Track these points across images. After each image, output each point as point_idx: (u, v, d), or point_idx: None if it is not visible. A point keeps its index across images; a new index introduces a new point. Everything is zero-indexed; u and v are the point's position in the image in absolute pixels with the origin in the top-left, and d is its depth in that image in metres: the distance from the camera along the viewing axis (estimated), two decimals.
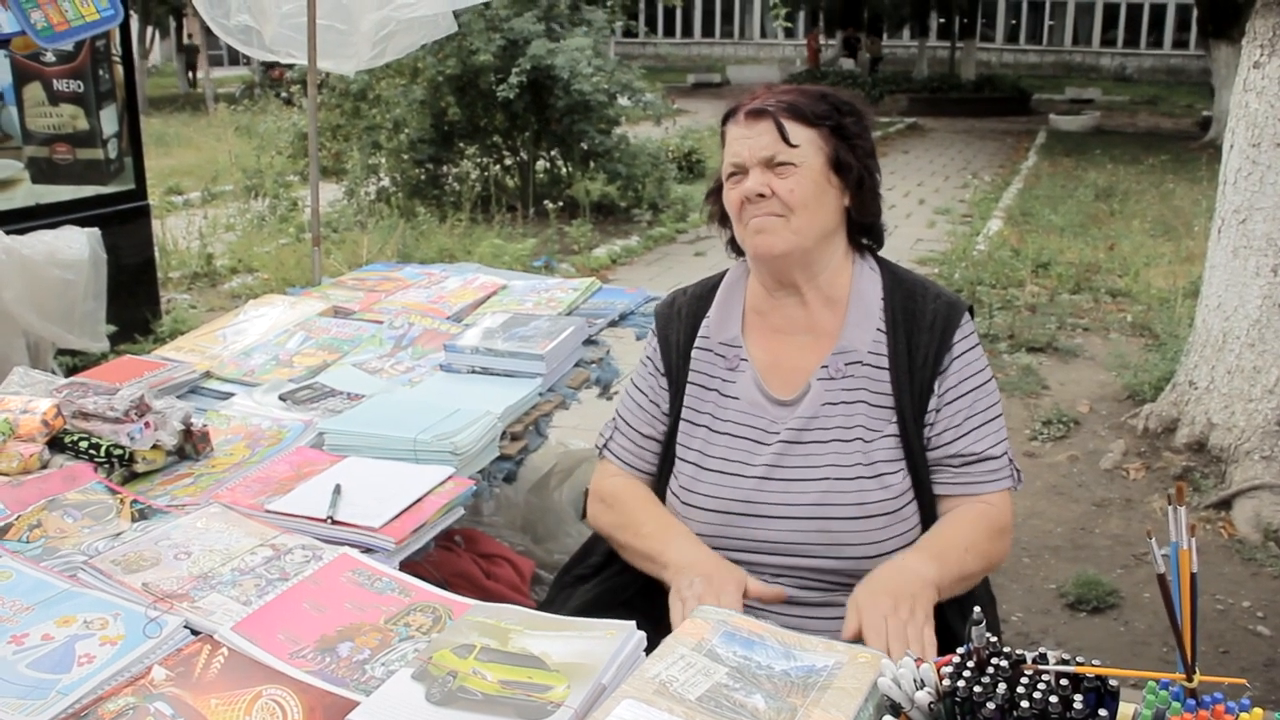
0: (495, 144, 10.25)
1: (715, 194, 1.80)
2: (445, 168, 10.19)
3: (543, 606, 1.81)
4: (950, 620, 1.66)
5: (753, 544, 1.67)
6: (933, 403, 1.69)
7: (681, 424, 1.79)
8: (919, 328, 1.70)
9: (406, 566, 1.61)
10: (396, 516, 1.67)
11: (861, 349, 1.70)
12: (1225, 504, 4.06)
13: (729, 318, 1.80)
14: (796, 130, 1.66)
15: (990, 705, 1.03)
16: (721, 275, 1.87)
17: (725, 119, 1.76)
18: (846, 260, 1.76)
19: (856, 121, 1.72)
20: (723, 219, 1.80)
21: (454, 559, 2.36)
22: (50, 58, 4.92)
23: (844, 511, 1.64)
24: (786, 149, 1.65)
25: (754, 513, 1.68)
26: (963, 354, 1.71)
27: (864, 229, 1.78)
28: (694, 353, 1.80)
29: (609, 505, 1.84)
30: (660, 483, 1.84)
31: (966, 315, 1.74)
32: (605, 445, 1.91)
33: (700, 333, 1.81)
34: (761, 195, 1.65)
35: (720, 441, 1.74)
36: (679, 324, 1.84)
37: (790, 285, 1.74)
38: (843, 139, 1.70)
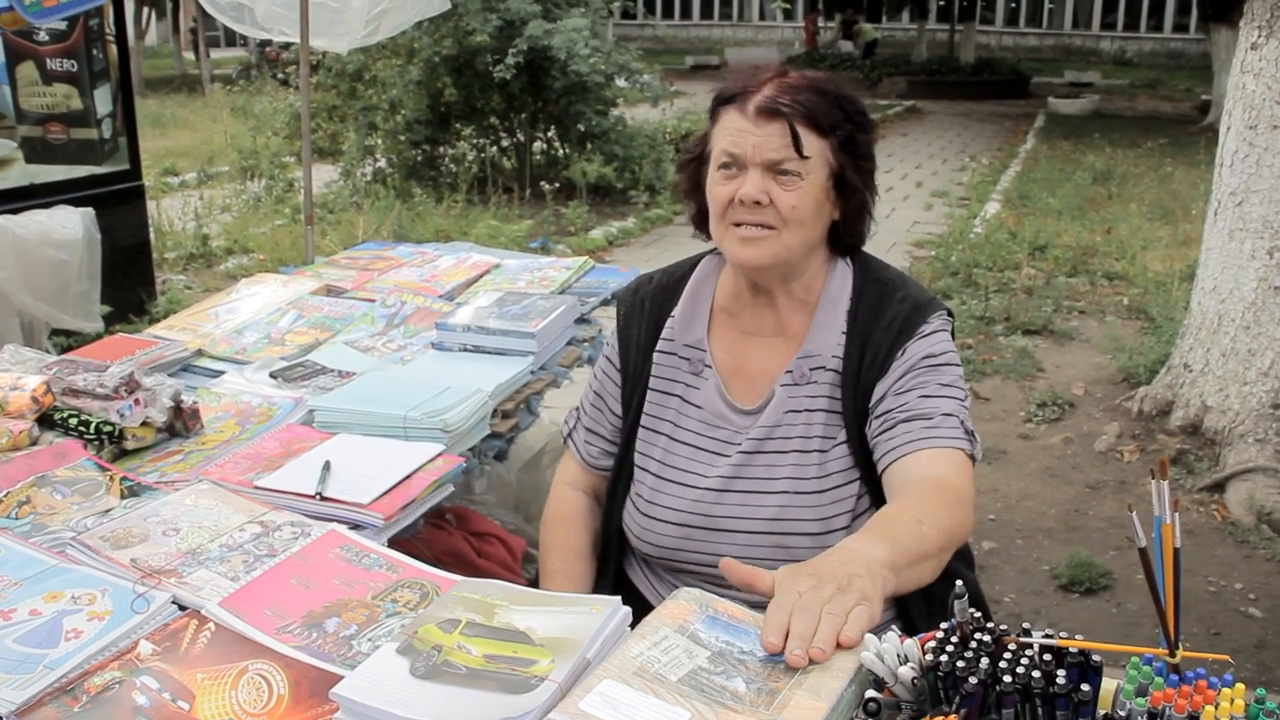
0: (492, 125, 10.22)
1: (692, 165, 1.66)
2: (441, 149, 10.16)
3: (533, 585, 1.82)
4: (936, 594, 1.65)
5: (713, 559, 1.57)
6: (875, 398, 1.57)
7: (640, 430, 1.72)
8: (877, 328, 1.60)
9: (398, 544, 1.62)
10: (385, 493, 1.67)
11: (825, 353, 1.61)
12: (1219, 486, 4.07)
13: (695, 318, 1.71)
14: (810, 140, 1.52)
15: (973, 680, 1.03)
16: (690, 266, 1.77)
17: (725, 100, 1.58)
18: (823, 263, 1.66)
19: (867, 138, 1.60)
20: (692, 193, 1.68)
21: (445, 537, 2.36)
22: (43, 36, 4.90)
23: (802, 527, 1.58)
24: (797, 160, 1.52)
25: (713, 526, 1.62)
26: (916, 342, 1.58)
27: (851, 246, 1.68)
28: (656, 355, 1.72)
29: (548, 524, 1.84)
30: (615, 487, 1.79)
31: (939, 316, 1.62)
32: (569, 435, 1.88)
33: (664, 334, 1.73)
34: (758, 202, 1.53)
35: (681, 451, 1.68)
36: (641, 318, 1.76)
37: (765, 291, 1.65)
38: (851, 155, 1.57)
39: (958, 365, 1.60)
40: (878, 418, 1.56)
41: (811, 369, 1.61)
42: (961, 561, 1.73)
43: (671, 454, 1.69)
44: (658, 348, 1.73)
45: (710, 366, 1.69)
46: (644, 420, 1.73)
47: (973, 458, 1.53)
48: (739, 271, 1.66)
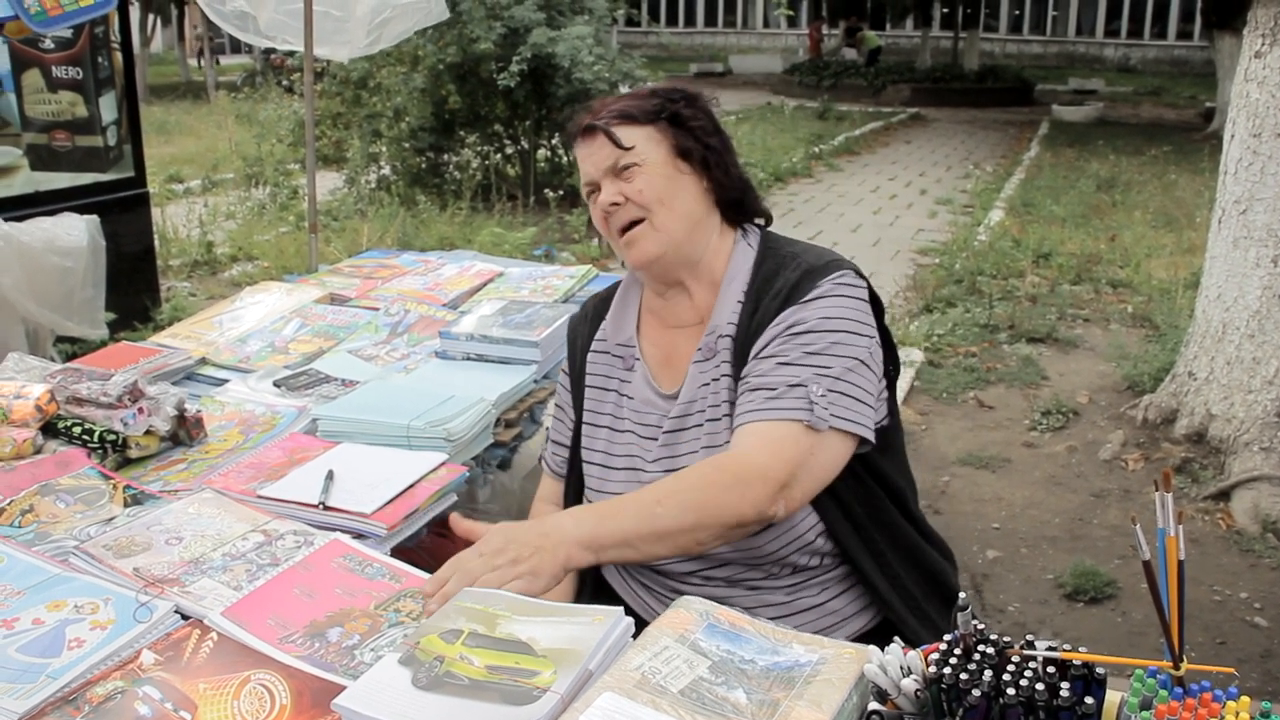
0: (496, 132, 10.22)
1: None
2: (446, 156, 10.17)
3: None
4: (934, 611, 1.67)
5: None
6: (747, 362, 1.62)
7: (584, 428, 1.80)
8: (768, 295, 1.64)
9: (402, 554, 1.62)
10: (388, 502, 1.68)
11: (723, 322, 1.67)
12: (1224, 495, 4.06)
13: (624, 320, 1.80)
14: (628, 132, 1.65)
15: (976, 693, 1.03)
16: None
17: (572, 145, 1.76)
18: (725, 241, 1.72)
19: (688, 104, 1.70)
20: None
21: (449, 546, 2.35)
22: (49, 44, 4.91)
23: None
24: (623, 153, 1.64)
25: None
26: (792, 308, 1.60)
27: (735, 204, 1.73)
28: (590, 356, 1.82)
29: None
30: (568, 489, 1.85)
31: (834, 280, 1.61)
32: (544, 454, 1.95)
33: (597, 335, 1.82)
34: (616, 204, 1.65)
35: (621, 440, 1.75)
36: (584, 327, 1.86)
37: (677, 284, 1.73)
38: (679, 125, 1.68)
39: (839, 331, 1.58)
40: (740, 380, 1.62)
41: (715, 340, 1.68)
42: (944, 559, 1.78)
43: (614, 444, 1.76)
44: (592, 348, 1.82)
45: (639, 359, 1.77)
46: (586, 417, 1.81)
47: (813, 427, 1.51)
48: (648, 275, 1.75)
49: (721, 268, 1.72)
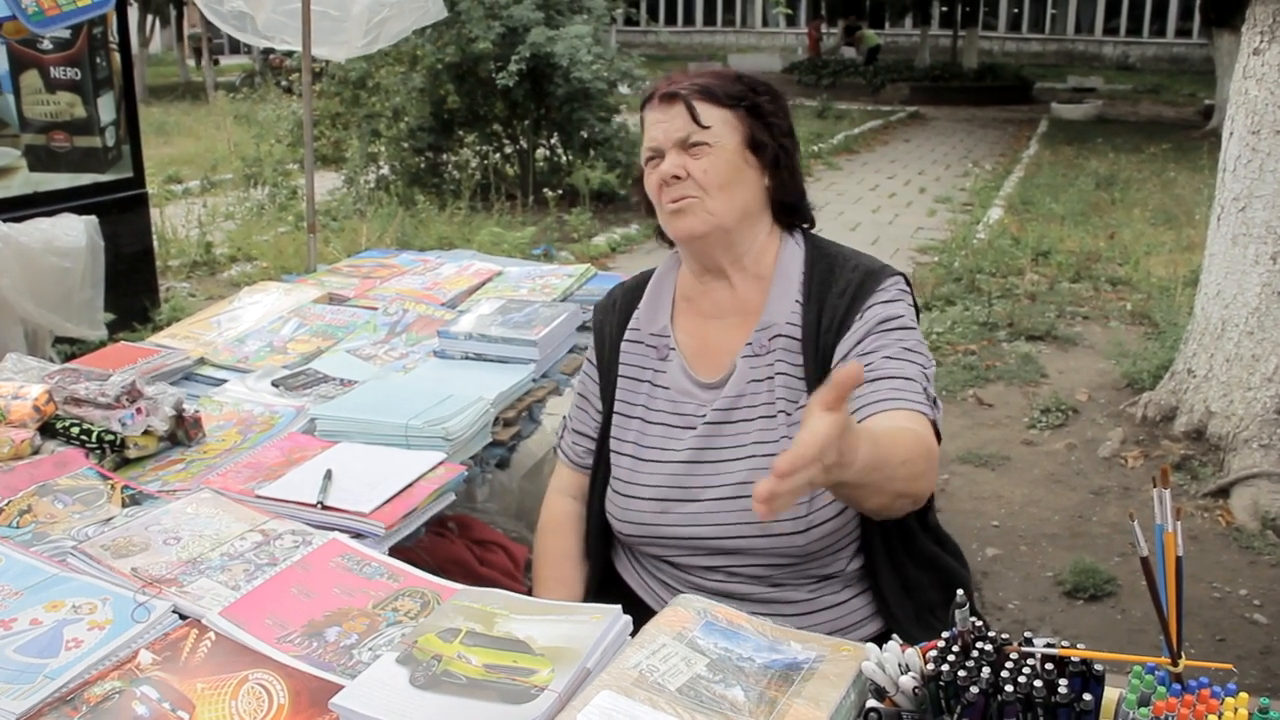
0: (495, 132, 10.23)
1: (640, 182, 1.76)
2: (445, 156, 10.17)
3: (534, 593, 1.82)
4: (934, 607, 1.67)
5: (688, 532, 1.66)
6: (836, 359, 1.61)
7: (615, 418, 1.79)
8: (831, 294, 1.66)
9: (400, 553, 1.61)
10: (387, 502, 1.67)
11: (780, 321, 1.67)
12: (1223, 492, 4.06)
13: (658, 309, 1.80)
14: (709, 111, 1.64)
15: (974, 690, 1.03)
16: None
17: (643, 105, 1.73)
18: (772, 238, 1.73)
19: (771, 100, 1.70)
20: (650, 208, 1.76)
21: (447, 545, 2.36)
22: (47, 45, 4.90)
23: None
24: (699, 129, 1.63)
25: (687, 497, 1.67)
26: (874, 306, 1.63)
27: (789, 208, 1.75)
28: (623, 345, 1.80)
29: (539, 533, 1.88)
30: (594, 479, 1.83)
31: (894, 284, 1.66)
32: (559, 443, 1.93)
33: (630, 325, 1.81)
34: (677, 177, 1.64)
35: (654, 431, 1.74)
36: (613, 315, 1.85)
37: (716, 269, 1.72)
38: (758, 118, 1.68)
39: (916, 328, 1.64)
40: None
41: (770, 338, 1.67)
42: (957, 562, 1.77)
43: (646, 435, 1.75)
44: (625, 338, 1.81)
45: (674, 349, 1.76)
46: (617, 408, 1.79)
47: (934, 423, 1.54)
48: (687, 250, 1.74)
49: (769, 263, 1.72)
